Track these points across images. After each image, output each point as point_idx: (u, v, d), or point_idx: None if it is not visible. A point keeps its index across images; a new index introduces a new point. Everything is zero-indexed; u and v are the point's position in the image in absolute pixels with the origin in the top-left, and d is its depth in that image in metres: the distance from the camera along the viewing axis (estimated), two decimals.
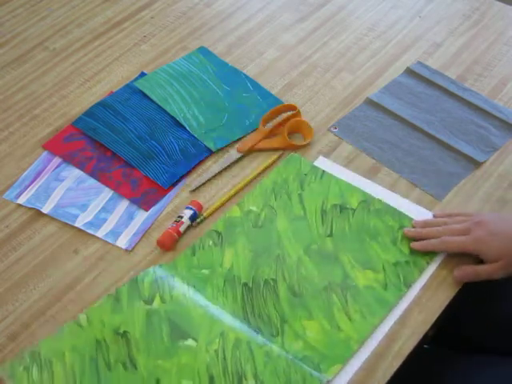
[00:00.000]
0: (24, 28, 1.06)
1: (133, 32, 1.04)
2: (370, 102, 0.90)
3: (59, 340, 0.66)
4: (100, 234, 0.77)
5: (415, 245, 0.72)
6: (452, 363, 0.79)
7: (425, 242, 0.72)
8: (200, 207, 0.78)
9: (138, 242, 0.76)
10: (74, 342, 0.66)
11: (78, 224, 0.78)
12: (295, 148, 0.84)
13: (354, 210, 0.76)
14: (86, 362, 0.64)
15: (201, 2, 1.10)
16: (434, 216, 0.76)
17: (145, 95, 0.92)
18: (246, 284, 0.70)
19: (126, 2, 1.10)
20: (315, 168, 0.81)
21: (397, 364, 0.64)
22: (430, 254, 0.72)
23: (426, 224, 0.74)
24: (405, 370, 0.65)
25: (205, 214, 0.78)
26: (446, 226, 0.72)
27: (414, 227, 0.75)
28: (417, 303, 0.69)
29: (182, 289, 0.70)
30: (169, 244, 0.74)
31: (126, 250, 0.76)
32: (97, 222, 0.78)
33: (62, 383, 0.63)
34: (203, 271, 0.72)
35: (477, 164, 0.81)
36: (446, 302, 0.69)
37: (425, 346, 0.85)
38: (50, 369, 0.63)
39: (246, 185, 0.81)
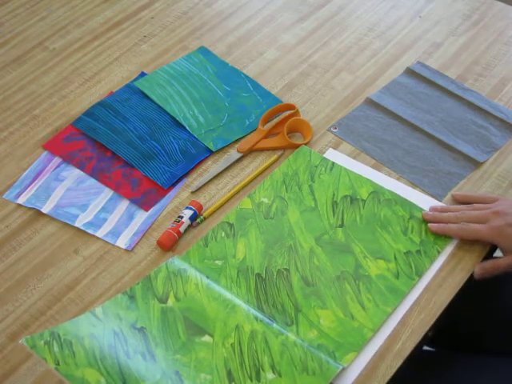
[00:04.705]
0: (24, 28, 1.06)
1: (133, 32, 1.04)
2: (370, 102, 0.90)
3: (76, 326, 0.66)
4: (100, 233, 0.77)
5: (433, 226, 0.73)
6: (452, 363, 0.79)
7: (442, 224, 0.73)
8: (200, 207, 0.78)
9: (138, 241, 0.76)
10: (92, 331, 0.65)
11: (78, 224, 0.78)
12: (295, 147, 0.84)
13: (365, 201, 0.77)
14: (105, 348, 0.64)
15: (201, 2, 1.10)
16: (453, 197, 0.77)
17: (145, 95, 0.92)
18: (259, 274, 0.71)
19: (126, 1, 1.10)
20: (325, 160, 0.82)
21: (397, 364, 0.64)
22: (440, 243, 0.73)
23: (444, 209, 0.75)
24: (405, 370, 0.65)
25: (205, 214, 0.78)
26: (463, 212, 0.73)
27: (431, 211, 0.76)
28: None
29: (195, 281, 0.70)
30: (169, 244, 0.74)
31: (126, 250, 0.76)
32: (97, 222, 0.78)
33: (84, 362, 0.62)
34: (216, 262, 0.72)
35: (477, 164, 0.81)
36: (447, 302, 0.69)
37: (425, 346, 0.85)
38: (71, 348, 0.63)
39: (246, 185, 0.81)
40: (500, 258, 0.70)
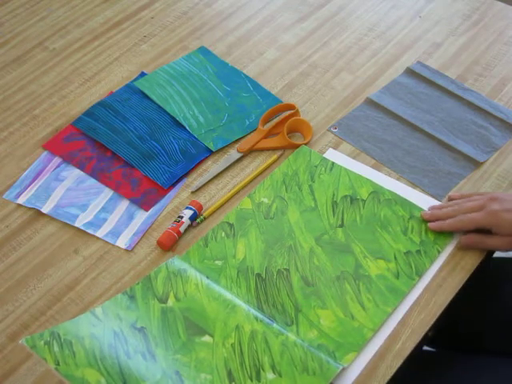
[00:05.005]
0: (24, 28, 1.06)
1: (133, 32, 1.04)
2: (370, 102, 0.90)
3: (76, 326, 0.66)
4: (100, 234, 0.77)
5: (431, 225, 0.73)
6: (452, 363, 0.79)
7: (441, 221, 0.73)
8: (200, 207, 0.78)
9: (138, 241, 0.76)
10: (92, 331, 0.65)
11: (78, 224, 0.78)
12: (295, 147, 0.84)
13: (365, 201, 0.77)
14: (106, 348, 0.64)
15: (201, 2, 1.10)
16: (450, 198, 0.77)
17: (145, 95, 0.92)
18: (259, 275, 0.71)
19: (126, 1, 1.11)
20: (325, 160, 0.82)
21: (397, 364, 0.64)
22: (440, 243, 0.73)
23: (441, 206, 0.75)
24: (405, 370, 0.65)
25: (205, 214, 0.78)
26: (461, 205, 0.73)
27: (429, 210, 0.76)
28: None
29: (195, 281, 0.70)
30: (169, 244, 0.74)
31: (126, 250, 0.76)
32: (97, 222, 0.78)
33: (84, 362, 0.62)
34: (216, 262, 0.72)
35: (477, 164, 0.81)
36: (447, 302, 0.69)
37: (425, 346, 0.85)
38: (71, 348, 0.63)
39: (246, 185, 0.81)
40: (490, 237, 0.70)
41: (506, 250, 0.71)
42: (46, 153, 0.87)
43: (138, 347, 0.64)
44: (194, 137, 0.87)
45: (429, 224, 0.74)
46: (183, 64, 0.97)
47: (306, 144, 0.85)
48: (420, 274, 0.70)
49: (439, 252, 0.72)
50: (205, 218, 0.78)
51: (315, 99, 0.91)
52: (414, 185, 0.80)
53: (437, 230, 0.73)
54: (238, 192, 0.80)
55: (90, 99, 0.93)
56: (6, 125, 0.91)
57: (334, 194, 0.78)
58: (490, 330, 0.82)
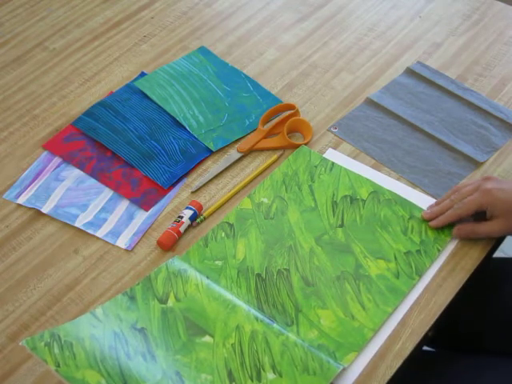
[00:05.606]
0: (24, 28, 1.06)
1: (133, 32, 1.04)
2: (370, 102, 0.90)
3: (77, 327, 0.66)
4: (100, 234, 0.77)
5: (432, 223, 0.73)
6: (452, 363, 0.79)
7: (440, 216, 0.73)
8: (200, 207, 0.78)
9: (138, 242, 0.76)
10: (92, 332, 0.65)
11: (78, 224, 0.78)
12: (295, 147, 0.84)
13: (365, 201, 0.77)
14: (106, 349, 0.64)
15: (201, 2, 1.10)
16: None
17: (145, 95, 0.92)
18: (259, 275, 0.71)
19: (126, 2, 1.10)
20: (325, 160, 0.82)
21: (397, 364, 0.64)
22: (440, 242, 0.73)
23: (438, 201, 0.75)
24: (405, 370, 0.65)
25: (205, 214, 0.78)
26: (457, 192, 0.73)
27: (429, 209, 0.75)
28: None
29: (195, 281, 0.70)
30: (169, 244, 0.74)
31: (126, 250, 0.76)
32: (97, 222, 0.78)
33: (84, 363, 0.62)
34: (216, 263, 0.72)
35: (477, 164, 0.81)
36: (447, 302, 0.69)
37: (425, 346, 0.85)
38: (72, 350, 0.63)
39: (246, 185, 0.81)
40: (481, 224, 0.70)
41: (499, 235, 0.70)
42: (45, 153, 0.87)
43: (139, 348, 0.64)
44: (194, 137, 0.87)
45: (430, 223, 0.73)
46: (183, 64, 0.97)
47: (305, 144, 0.85)
48: (420, 274, 0.70)
49: (439, 251, 0.72)
50: (205, 218, 0.78)
51: (315, 99, 0.91)
52: (414, 185, 0.80)
53: (439, 226, 0.73)
54: (238, 192, 0.80)
55: (89, 99, 0.93)
56: (6, 125, 0.91)
57: (333, 194, 0.78)
58: (490, 330, 0.82)
